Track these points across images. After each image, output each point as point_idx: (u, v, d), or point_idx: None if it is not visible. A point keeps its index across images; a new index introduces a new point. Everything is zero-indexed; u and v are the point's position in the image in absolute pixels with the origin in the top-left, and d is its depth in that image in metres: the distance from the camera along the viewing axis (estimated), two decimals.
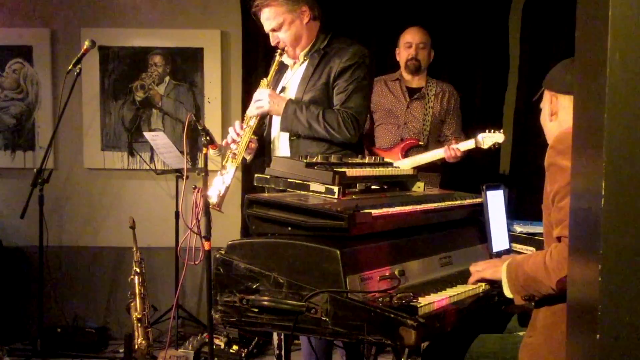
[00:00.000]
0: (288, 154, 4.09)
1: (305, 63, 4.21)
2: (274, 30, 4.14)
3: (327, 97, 4.09)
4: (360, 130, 4.09)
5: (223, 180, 3.93)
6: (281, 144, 4.20)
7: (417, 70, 5.56)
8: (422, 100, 5.53)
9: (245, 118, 4.17)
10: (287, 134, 4.13)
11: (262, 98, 4.10)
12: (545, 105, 3.00)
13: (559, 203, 2.65)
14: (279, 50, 4.21)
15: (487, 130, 5.11)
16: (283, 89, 4.23)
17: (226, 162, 4.03)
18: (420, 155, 5.34)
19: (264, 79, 4.23)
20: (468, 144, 5.18)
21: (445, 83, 5.69)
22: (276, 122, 4.19)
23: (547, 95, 2.99)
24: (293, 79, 4.25)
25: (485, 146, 5.10)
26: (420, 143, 5.44)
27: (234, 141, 4.09)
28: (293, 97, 4.14)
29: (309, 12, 4.15)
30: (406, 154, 5.38)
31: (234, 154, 4.03)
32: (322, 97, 4.08)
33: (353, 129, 3.99)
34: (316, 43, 4.19)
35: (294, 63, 4.29)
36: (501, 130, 5.13)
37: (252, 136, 4.13)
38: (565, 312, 2.60)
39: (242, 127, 4.11)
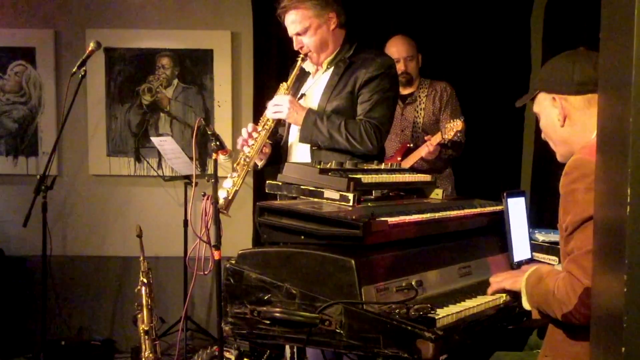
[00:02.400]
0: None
1: (329, 71, 4.21)
2: (298, 34, 4.14)
3: (351, 107, 4.10)
4: (382, 141, 4.10)
5: (233, 182, 3.94)
6: (301, 153, 4.20)
7: (410, 82, 5.68)
8: (414, 104, 5.65)
9: (261, 120, 4.17)
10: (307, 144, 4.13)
11: (282, 104, 4.09)
12: (545, 110, 2.89)
13: (569, 235, 2.63)
14: (301, 56, 4.20)
15: (451, 120, 5.22)
16: (302, 96, 4.24)
17: (237, 164, 4.03)
18: (409, 157, 5.47)
19: (284, 83, 4.22)
20: (437, 137, 5.30)
21: (438, 81, 5.74)
22: (294, 130, 4.20)
23: (546, 98, 2.88)
24: (315, 87, 4.25)
25: (448, 136, 5.21)
26: (409, 145, 5.53)
27: (246, 142, 4.09)
28: (315, 105, 4.15)
29: (336, 19, 4.16)
30: (403, 158, 5.49)
31: (247, 156, 4.03)
32: (346, 107, 4.08)
33: (376, 139, 3.99)
34: (341, 51, 4.20)
35: (316, 70, 4.30)
36: (462, 119, 5.20)
37: (267, 141, 4.15)
38: (579, 331, 2.62)
39: (256, 130, 4.11)
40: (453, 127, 5.17)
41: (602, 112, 1.90)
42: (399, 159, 5.45)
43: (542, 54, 6.32)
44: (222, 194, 3.88)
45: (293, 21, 4.12)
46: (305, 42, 4.15)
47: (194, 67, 6.59)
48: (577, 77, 2.77)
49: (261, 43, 6.45)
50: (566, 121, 2.81)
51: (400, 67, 5.54)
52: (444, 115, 5.60)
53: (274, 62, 6.34)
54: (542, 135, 3.02)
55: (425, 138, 5.41)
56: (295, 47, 4.22)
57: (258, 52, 6.49)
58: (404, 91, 5.68)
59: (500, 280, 3.04)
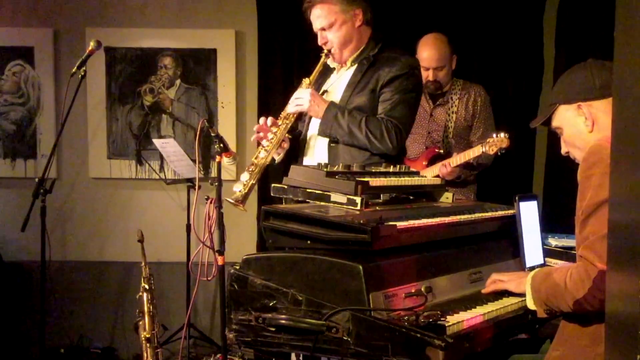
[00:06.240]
0: (325, 160, 4.12)
1: (353, 68, 4.28)
2: (323, 29, 4.22)
3: (373, 105, 4.14)
4: (402, 142, 4.13)
5: (249, 176, 3.97)
6: (318, 149, 4.26)
7: (439, 89, 5.51)
8: (445, 105, 5.51)
9: (282, 115, 4.22)
10: (326, 139, 4.16)
11: (303, 97, 4.16)
12: (570, 121, 2.96)
13: (584, 220, 2.69)
14: (325, 51, 4.27)
15: (494, 135, 5.06)
16: (325, 92, 4.28)
17: (255, 157, 4.06)
18: (436, 164, 5.32)
19: (306, 78, 4.29)
20: (476, 149, 5.11)
21: (473, 84, 5.61)
22: (314, 124, 4.24)
23: (568, 109, 2.96)
24: (338, 83, 4.32)
25: (491, 151, 5.03)
26: (439, 152, 5.42)
27: (265, 134, 4.16)
28: (337, 102, 4.19)
29: (362, 16, 4.24)
30: (429, 163, 5.38)
31: (265, 150, 4.07)
32: (367, 105, 4.13)
33: (396, 140, 4.03)
34: (366, 49, 4.27)
35: (340, 67, 4.36)
36: (507, 135, 5.03)
37: (287, 135, 4.21)
38: (590, 325, 2.67)
39: (276, 124, 4.16)
40: (497, 143, 5.00)
41: (616, 112, 1.90)
42: (425, 163, 5.36)
43: (554, 54, 6.31)
44: (238, 188, 3.92)
45: (319, 16, 4.21)
46: (329, 37, 4.23)
47: (197, 67, 6.60)
48: (598, 82, 2.88)
49: (266, 42, 6.43)
50: (594, 126, 2.90)
51: (427, 76, 5.39)
52: (477, 124, 5.49)
53: (279, 62, 6.34)
54: (563, 150, 3.09)
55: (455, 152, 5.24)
56: (320, 43, 4.29)
57: (263, 51, 6.48)
58: (435, 91, 5.54)
59: (506, 280, 3.08)
